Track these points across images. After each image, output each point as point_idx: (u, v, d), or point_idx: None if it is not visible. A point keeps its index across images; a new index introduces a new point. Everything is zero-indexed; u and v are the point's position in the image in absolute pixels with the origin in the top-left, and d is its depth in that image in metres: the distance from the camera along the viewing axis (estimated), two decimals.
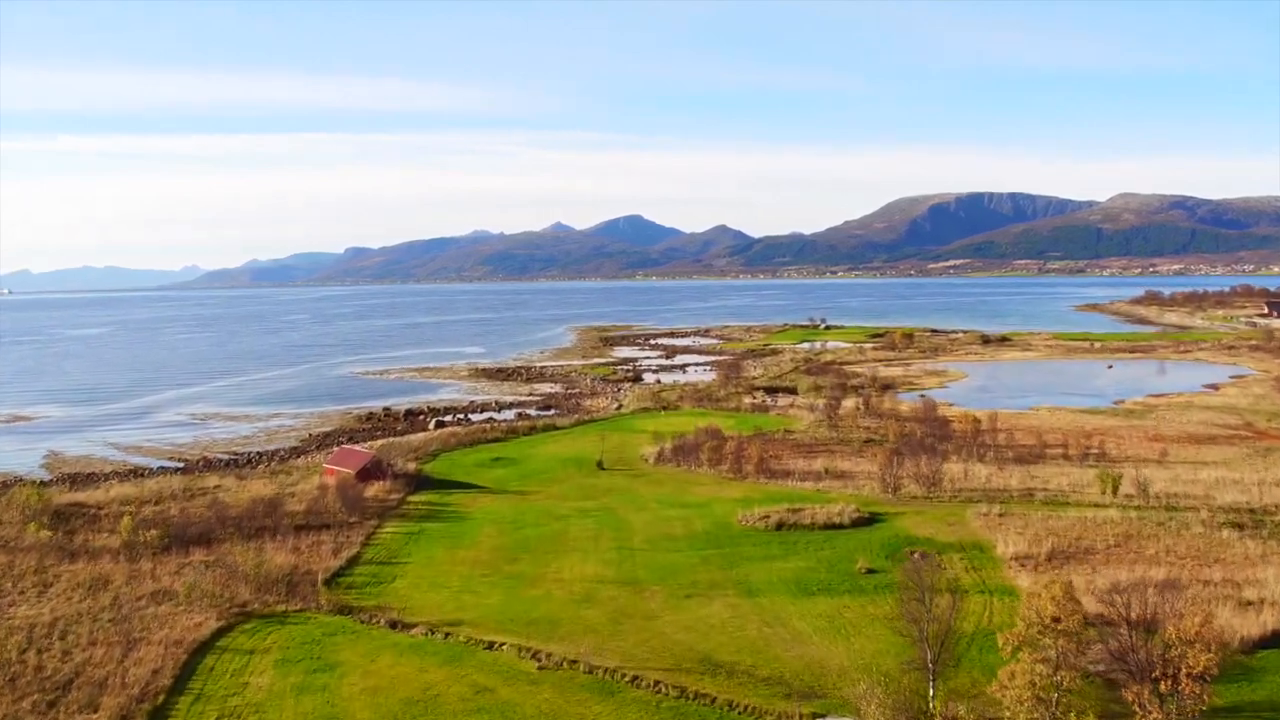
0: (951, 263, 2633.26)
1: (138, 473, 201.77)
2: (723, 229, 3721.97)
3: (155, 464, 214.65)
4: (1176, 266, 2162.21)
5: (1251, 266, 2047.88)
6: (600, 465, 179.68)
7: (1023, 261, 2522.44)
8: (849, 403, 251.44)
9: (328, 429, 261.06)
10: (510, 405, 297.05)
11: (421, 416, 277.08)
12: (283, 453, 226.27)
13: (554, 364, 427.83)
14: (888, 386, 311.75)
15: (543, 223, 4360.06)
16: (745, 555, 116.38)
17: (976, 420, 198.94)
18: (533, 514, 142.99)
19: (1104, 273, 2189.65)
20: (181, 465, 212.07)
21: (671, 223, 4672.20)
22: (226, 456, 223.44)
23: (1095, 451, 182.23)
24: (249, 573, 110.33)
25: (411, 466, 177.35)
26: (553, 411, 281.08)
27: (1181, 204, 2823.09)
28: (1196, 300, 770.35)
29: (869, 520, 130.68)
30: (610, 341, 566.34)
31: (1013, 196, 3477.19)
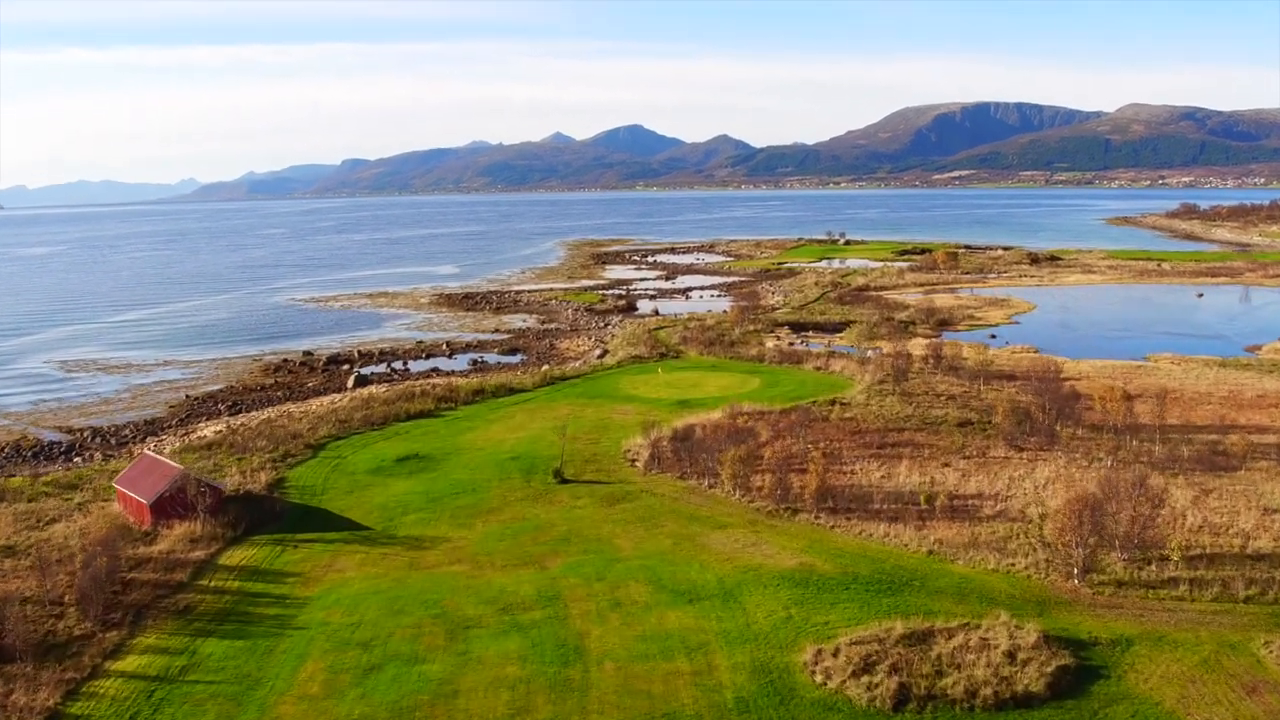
0: (957, 174, 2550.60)
1: None
2: (724, 139, 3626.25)
3: None
4: (1186, 179, 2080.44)
5: (1263, 180, 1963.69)
6: (559, 476, 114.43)
7: (1029, 173, 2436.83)
8: (913, 349, 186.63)
9: (216, 386, 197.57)
10: (465, 348, 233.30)
11: (346, 366, 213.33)
12: (130, 428, 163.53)
13: (533, 288, 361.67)
14: (944, 321, 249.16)
15: (542, 133, 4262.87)
16: None
17: (1125, 394, 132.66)
18: (413, 614, 77.62)
19: (1113, 185, 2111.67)
20: None
21: (673, 133, 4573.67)
22: (55, 435, 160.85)
23: None
24: None
25: (262, 479, 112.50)
26: (517, 358, 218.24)
27: (1191, 115, 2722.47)
28: (1243, 215, 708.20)
29: (1076, 672, 63.13)
30: (603, 259, 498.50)
31: (1019, 107, 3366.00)
